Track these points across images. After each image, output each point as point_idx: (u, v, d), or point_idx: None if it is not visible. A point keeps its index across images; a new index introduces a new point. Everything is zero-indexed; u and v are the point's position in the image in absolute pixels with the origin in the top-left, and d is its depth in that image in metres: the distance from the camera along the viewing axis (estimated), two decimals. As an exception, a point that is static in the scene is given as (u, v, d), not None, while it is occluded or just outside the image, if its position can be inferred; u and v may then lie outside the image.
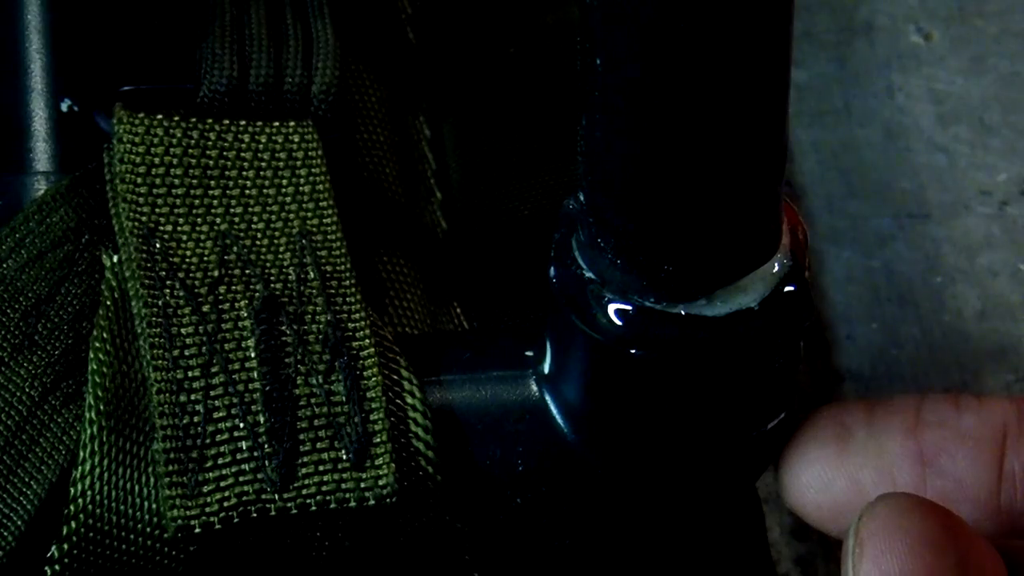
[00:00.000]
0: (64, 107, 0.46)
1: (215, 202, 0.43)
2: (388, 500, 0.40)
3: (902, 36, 0.80)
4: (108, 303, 0.41)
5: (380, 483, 0.40)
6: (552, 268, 0.39)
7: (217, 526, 0.39)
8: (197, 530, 0.39)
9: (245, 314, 0.41)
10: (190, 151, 0.44)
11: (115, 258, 0.42)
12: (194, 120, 0.44)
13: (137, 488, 0.39)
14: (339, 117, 0.46)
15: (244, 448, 0.39)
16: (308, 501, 0.39)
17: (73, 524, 0.39)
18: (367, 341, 0.41)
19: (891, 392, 0.71)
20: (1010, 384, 0.71)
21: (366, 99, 0.50)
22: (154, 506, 0.39)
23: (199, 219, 0.43)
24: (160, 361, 0.40)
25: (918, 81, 0.79)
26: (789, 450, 0.41)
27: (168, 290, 0.41)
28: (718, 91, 0.33)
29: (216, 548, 0.39)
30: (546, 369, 0.41)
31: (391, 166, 0.50)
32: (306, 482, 0.39)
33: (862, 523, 0.35)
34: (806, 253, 0.38)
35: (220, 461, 0.39)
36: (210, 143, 0.44)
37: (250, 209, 0.43)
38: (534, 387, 0.42)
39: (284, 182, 0.44)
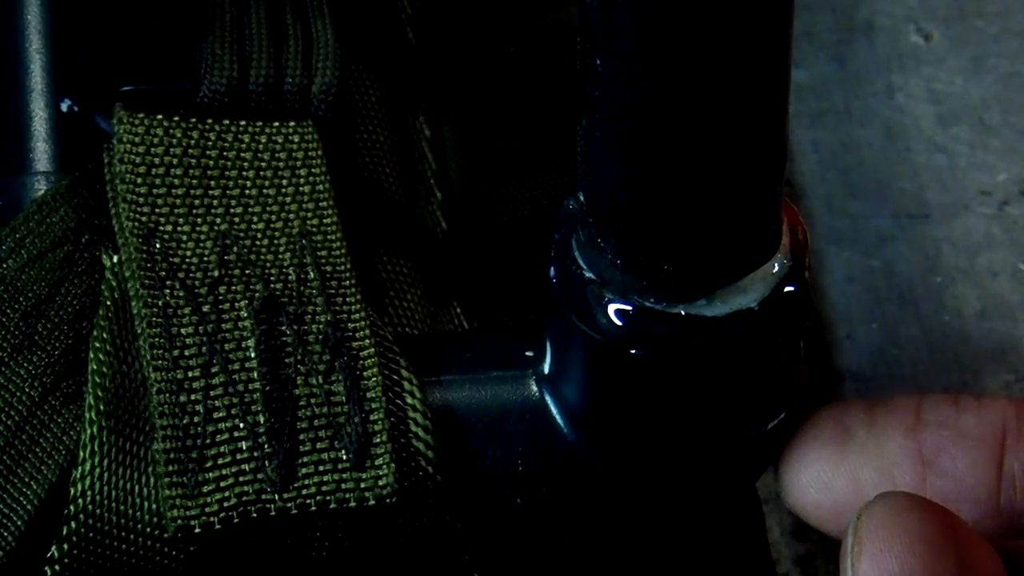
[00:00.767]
0: (64, 107, 0.46)
1: (215, 202, 0.43)
2: (388, 500, 0.40)
3: (902, 36, 0.80)
4: (108, 303, 0.41)
5: (380, 483, 0.40)
6: (552, 268, 0.39)
7: (217, 526, 0.39)
8: (197, 530, 0.39)
9: (245, 314, 0.41)
10: (190, 151, 0.44)
11: (115, 258, 0.42)
12: (194, 120, 0.44)
13: (137, 488, 0.39)
14: (339, 117, 0.46)
15: (244, 448, 0.39)
16: (308, 501, 0.39)
17: (73, 524, 0.39)
18: (367, 341, 0.41)
19: (891, 392, 0.71)
20: (1010, 384, 0.71)
21: (366, 99, 0.50)
22: (154, 506, 0.39)
23: (199, 219, 0.43)
24: (160, 361, 0.40)
25: (918, 81, 0.79)
26: (789, 450, 0.41)
27: (168, 290, 0.41)
28: (718, 91, 0.33)
29: (216, 548, 0.39)
30: (546, 369, 0.41)
31: (391, 166, 0.50)
32: (306, 482, 0.39)
33: (861, 522, 0.35)
34: (806, 253, 0.38)
35: (220, 461, 0.39)
36: (210, 143, 0.44)
37: (250, 209, 0.43)
38: (534, 387, 0.42)
39: (284, 182, 0.44)
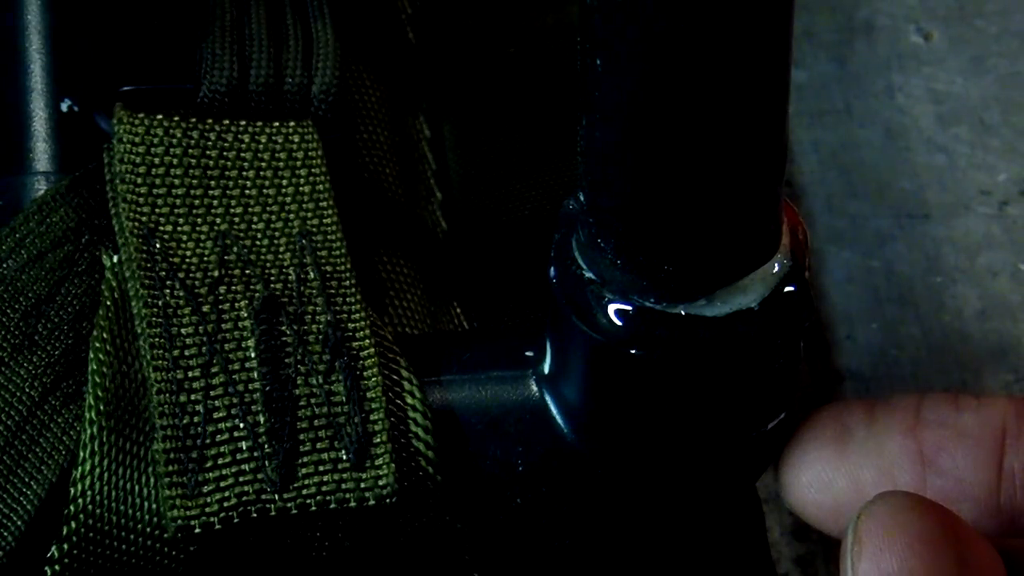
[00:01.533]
0: (64, 107, 0.46)
1: (215, 202, 0.43)
2: (388, 500, 0.40)
3: (902, 36, 0.80)
4: (108, 303, 0.41)
5: (380, 483, 0.40)
6: (552, 268, 0.39)
7: (217, 526, 0.39)
8: (197, 530, 0.39)
9: (245, 314, 0.41)
10: (190, 151, 0.44)
11: (115, 258, 0.42)
12: (194, 120, 0.44)
13: (137, 488, 0.39)
14: (339, 117, 0.46)
15: (244, 448, 0.39)
16: (308, 501, 0.39)
17: (73, 524, 0.39)
18: (367, 341, 0.41)
19: (891, 392, 0.71)
20: (1010, 384, 0.71)
21: (366, 99, 0.50)
22: (154, 506, 0.39)
23: (199, 219, 0.43)
24: (160, 361, 0.40)
25: (918, 81, 0.79)
26: (789, 450, 0.41)
27: (168, 290, 0.41)
28: (718, 91, 0.33)
29: (216, 548, 0.39)
30: (546, 369, 0.41)
31: (391, 166, 0.50)
32: (306, 482, 0.39)
33: (860, 522, 0.35)
34: (806, 253, 0.38)
35: (220, 461, 0.39)
36: (210, 143, 0.44)
37: (250, 209, 0.43)
38: (534, 387, 0.42)
39: (284, 182, 0.44)
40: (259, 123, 0.45)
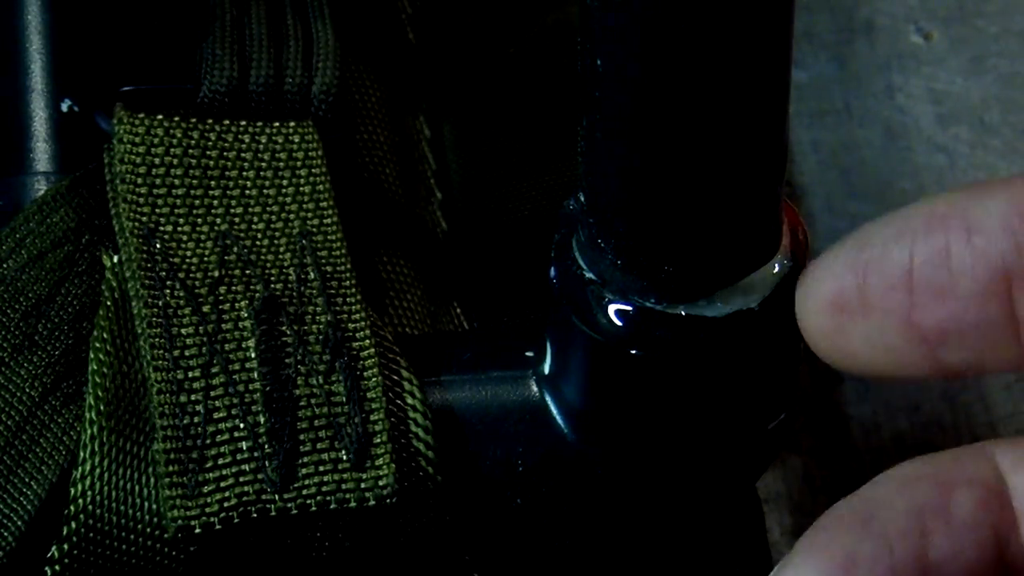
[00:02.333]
0: (64, 107, 0.46)
1: (215, 202, 0.43)
2: (388, 500, 0.40)
3: (902, 36, 0.80)
4: (108, 303, 0.41)
5: (380, 483, 0.40)
6: (552, 268, 0.39)
7: (217, 526, 0.39)
8: (197, 530, 0.39)
9: (245, 314, 0.41)
10: (190, 151, 0.44)
11: (115, 258, 0.42)
12: (194, 120, 0.44)
13: (137, 488, 0.39)
14: (339, 117, 0.46)
15: (244, 448, 0.39)
16: (308, 501, 0.39)
17: (73, 524, 0.39)
18: (367, 342, 0.41)
19: (891, 392, 0.71)
20: (1010, 384, 0.71)
21: (366, 99, 0.50)
22: (154, 506, 0.39)
23: (199, 219, 0.43)
24: (160, 361, 0.40)
25: (918, 81, 0.79)
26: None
27: (168, 290, 0.41)
28: (719, 92, 0.33)
29: (216, 548, 0.39)
30: (546, 369, 0.42)
31: (391, 166, 0.50)
32: (306, 482, 0.39)
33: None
34: (807, 254, 0.38)
35: (220, 461, 0.39)
36: (210, 143, 0.44)
37: (250, 209, 0.43)
38: (534, 387, 0.42)
39: (284, 182, 0.44)
40: (259, 123, 0.45)
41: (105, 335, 0.41)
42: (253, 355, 0.40)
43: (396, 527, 0.41)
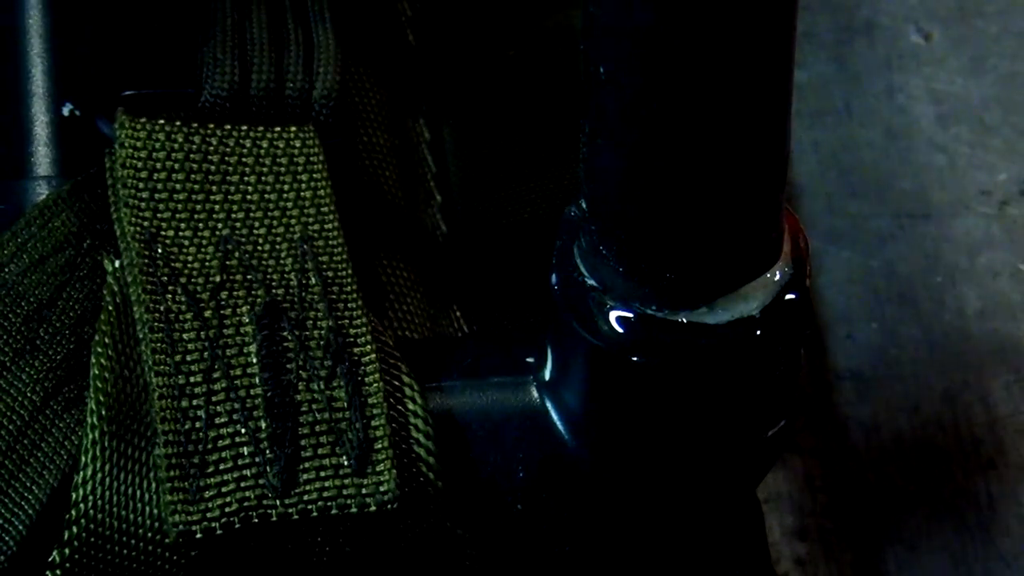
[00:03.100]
0: (66, 111, 0.46)
1: (216, 207, 0.43)
2: (389, 506, 0.40)
3: (902, 36, 0.80)
4: (110, 308, 0.41)
5: (381, 489, 0.40)
6: (554, 275, 0.39)
7: (218, 531, 0.39)
8: (198, 535, 0.39)
9: (247, 320, 0.41)
10: (191, 156, 0.44)
11: (117, 263, 0.42)
12: (195, 125, 0.44)
13: (139, 493, 0.39)
14: (340, 121, 0.46)
15: (246, 453, 0.39)
16: (309, 507, 0.39)
17: (74, 529, 0.39)
18: (368, 347, 0.41)
19: (891, 392, 0.71)
20: (1010, 384, 0.71)
21: (366, 103, 0.50)
22: (155, 511, 0.39)
23: (200, 224, 0.43)
24: (162, 366, 0.40)
25: (918, 81, 0.79)
26: None
27: (170, 295, 0.41)
28: (721, 99, 0.33)
29: (217, 553, 0.39)
30: (547, 375, 0.42)
31: (391, 170, 0.50)
32: (307, 488, 0.39)
33: None
34: (807, 261, 0.38)
35: (222, 467, 0.39)
36: (211, 148, 0.44)
37: (251, 214, 0.43)
38: (535, 393, 0.42)
39: (285, 187, 0.44)
40: (260, 128, 0.45)
41: (107, 340, 0.41)
42: (254, 360, 0.40)
43: (397, 533, 0.41)
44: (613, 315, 0.38)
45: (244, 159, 0.44)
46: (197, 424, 0.39)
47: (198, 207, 0.43)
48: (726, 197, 0.35)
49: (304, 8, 0.48)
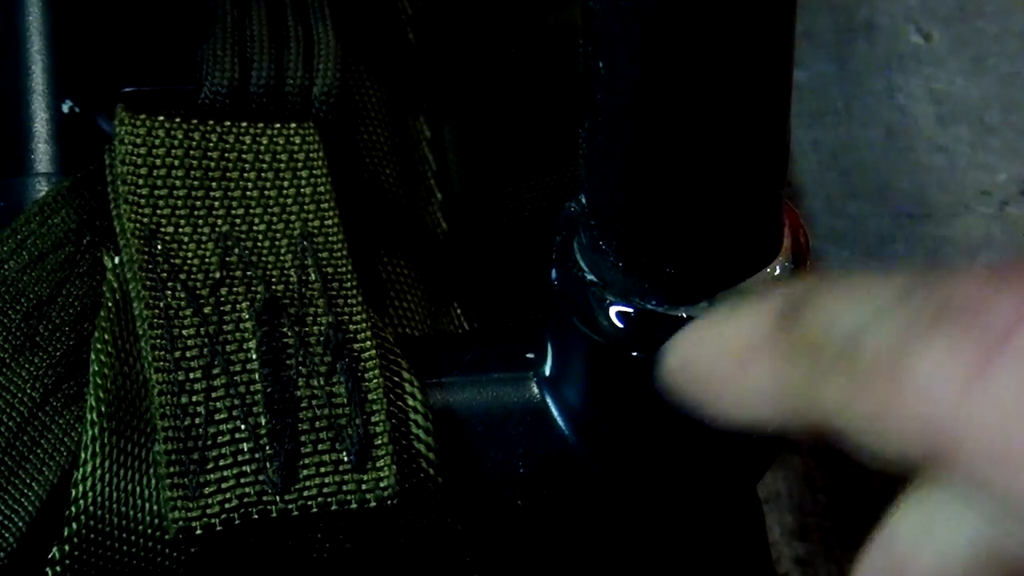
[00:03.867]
0: (65, 108, 0.46)
1: (216, 204, 0.43)
2: (389, 502, 0.40)
3: (902, 36, 0.80)
4: (109, 304, 0.41)
5: (381, 485, 0.40)
6: (554, 271, 0.39)
7: (218, 528, 0.39)
8: (198, 531, 0.39)
9: (247, 316, 0.41)
10: (191, 153, 0.44)
11: (116, 259, 0.42)
12: (195, 122, 0.44)
13: (138, 489, 0.39)
14: (340, 118, 0.46)
15: (245, 450, 0.39)
16: (309, 503, 0.39)
17: (74, 525, 0.39)
18: (368, 343, 0.41)
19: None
20: (1010, 384, 0.71)
21: (367, 100, 0.50)
22: (155, 507, 0.39)
23: (200, 221, 0.43)
24: (162, 363, 0.40)
25: (918, 81, 0.79)
26: None
27: (170, 292, 0.41)
28: (720, 95, 0.33)
29: (217, 549, 0.39)
30: (547, 371, 0.42)
31: (392, 167, 0.50)
32: (307, 484, 0.39)
33: None
34: (807, 256, 0.38)
35: (221, 463, 0.39)
36: (211, 145, 0.44)
37: (251, 211, 0.43)
38: (535, 389, 0.42)
39: (285, 184, 0.44)
40: (260, 125, 0.45)
41: (106, 336, 0.41)
42: (254, 356, 0.40)
43: (397, 528, 0.41)
44: (613, 310, 0.38)
45: (244, 155, 0.44)
46: (197, 420, 0.39)
47: (198, 203, 0.43)
48: (726, 192, 0.35)
49: (304, 5, 0.48)
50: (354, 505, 0.39)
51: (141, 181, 0.43)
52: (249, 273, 0.42)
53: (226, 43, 0.46)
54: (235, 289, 0.41)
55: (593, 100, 0.35)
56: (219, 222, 0.43)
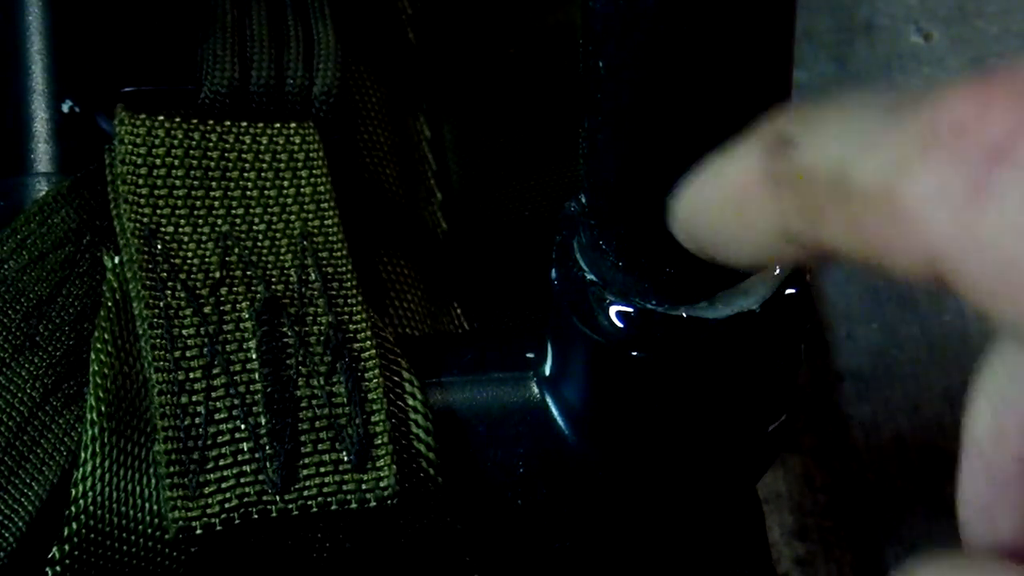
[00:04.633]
0: (65, 108, 0.46)
1: (216, 203, 0.43)
2: (389, 501, 0.40)
3: (902, 36, 0.80)
4: (109, 304, 0.41)
5: (381, 484, 0.40)
6: (553, 270, 0.39)
7: (218, 527, 0.39)
8: (198, 531, 0.39)
9: (246, 315, 0.41)
10: (191, 152, 0.44)
11: (116, 259, 0.42)
12: (195, 121, 0.44)
13: (138, 489, 0.39)
14: (340, 118, 0.46)
15: (245, 449, 0.39)
16: (309, 502, 0.39)
17: (74, 525, 0.39)
18: (368, 343, 0.41)
19: (891, 392, 0.71)
20: (1010, 384, 0.71)
21: (367, 100, 0.50)
22: (155, 507, 0.39)
23: (200, 220, 0.43)
24: (161, 362, 0.40)
25: (918, 81, 0.79)
26: None
27: (169, 291, 0.41)
28: (720, 93, 0.33)
29: (217, 549, 0.39)
30: (547, 371, 0.42)
31: (391, 167, 0.50)
32: (307, 483, 0.39)
33: None
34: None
35: (221, 463, 0.39)
36: (211, 144, 0.44)
37: (251, 210, 0.43)
38: (535, 389, 0.42)
39: (285, 183, 0.44)
40: (260, 124, 0.45)
41: (106, 336, 0.41)
42: (254, 356, 0.40)
43: (397, 528, 0.41)
44: (613, 310, 0.38)
45: (244, 155, 0.44)
46: (197, 420, 0.39)
47: (197, 203, 0.43)
48: (726, 191, 0.35)
49: (304, 5, 0.48)
50: (354, 505, 0.39)
51: (141, 181, 0.43)
52: (249, 273, 0.42)
53: (226, 43, 0.46)
54: (235, 289, 0.41)
55: (592, 99, 0.35)
56: (219, 222, 0.43)
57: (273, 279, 0.42)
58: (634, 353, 0.38)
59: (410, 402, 0.41)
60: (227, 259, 0.42)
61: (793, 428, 0.41)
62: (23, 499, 0.40)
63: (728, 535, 0.45)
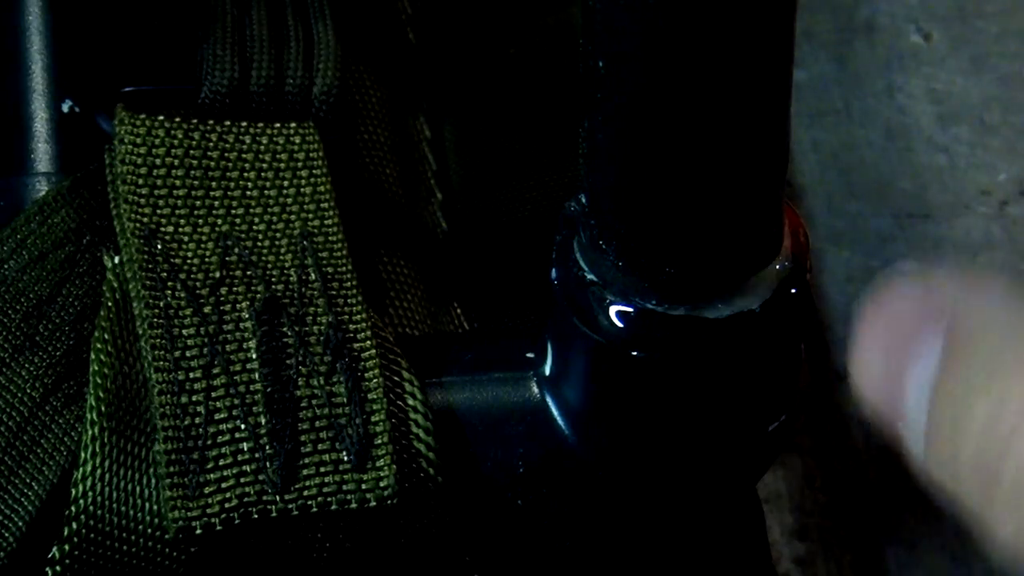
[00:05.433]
0: (65, 108, 0.46)
1: (216, 203, 0.43)
2: (389, 501, 0.40)
3: (902, 36, 0.80)
4: (109, 304, 0.41)
5: (381, 484, 0.40)
6: (553, 270, 0.39)
7: (218, 527, 0.39)
8: (198, 531, 0.39)
9: (246, 315, 0.41)
10: (191, 152, 0.44)
11: (116, 259, 0.42)
12: (195, 121, 0.44)
13: (138, 489, 0.39)
14: (340, 118, 0.46)
15: (245, 449, 0.39)
16: (309, 502, 0.39)
17: (74, 525, 0.39)
18: (368, 343, 0.41)
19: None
20: (1010, 384, 0.71)
21: (367, 100, 0.50)
22: (155, 507, 0.39)
23: (200, 220, 0.43)
24: (161, 362, 0.40)
25: (918, 81, 0.79)
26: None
27: (169, 291, 0.41)
28: (720, 94, 0.33)
29: (217, 549, 0.39)
30: (547, 371, 0.42)
31: (391, 167, 0.50)
32: (307, 483, 0.39)
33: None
34: (808, 256, 0.38)
35: (221, 462, 0.39)
36: (211, 144, 0.44)
37: (251, 210, 0.43)
38: (535, 389, 0.42)
39: (285, 183, 0.44)
40: (260, 124, 0.45)
41: (106, 336, 0.41)
42: (254, 356, 0.40)
43: (397, 528, 0.41)
44: (613, 310, 0.37)
45: (244, 155, 0.44)
46: (197, 420, 0.39)
47: (197, 203, 0.43)
48: (726, 192, 0.35)
49: (304, 5, 0.48)
50: (354, 505, 0.39)
51: (141, 181, 0.43)
52: (249, 273, 0.42)
53: (226, 43, 0.46)
54: (235, 289, 0.42)
55: (592, 99, 0.35)
56: (219, 222, 0.43)
57: (273, 279, 0.42)
58: (634, 353, 0.38)
59: (410, 402, 0.41)
60: (227, 259, 0.42)
61: (794, 425, 0.41)
62: (23, 499, 0.40)
63: (728, 535, 0.45)
